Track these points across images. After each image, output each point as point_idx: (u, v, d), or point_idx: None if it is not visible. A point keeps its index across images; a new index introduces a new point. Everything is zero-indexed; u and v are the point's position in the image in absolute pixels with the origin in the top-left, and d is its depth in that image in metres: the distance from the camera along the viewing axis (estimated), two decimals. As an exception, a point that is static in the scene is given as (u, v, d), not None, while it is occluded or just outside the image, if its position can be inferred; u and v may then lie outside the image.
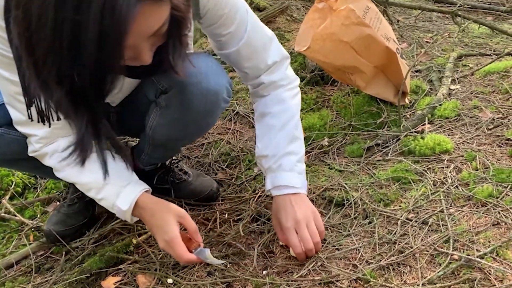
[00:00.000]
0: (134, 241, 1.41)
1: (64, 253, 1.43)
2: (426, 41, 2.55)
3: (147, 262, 1.33)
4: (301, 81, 2.05)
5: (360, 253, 1.18)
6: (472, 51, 2.34)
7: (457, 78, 1.99)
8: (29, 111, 1.00)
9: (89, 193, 1.19)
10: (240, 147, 1.83)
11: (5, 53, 0.96)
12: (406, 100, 1.84)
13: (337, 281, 1.11)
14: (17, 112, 1.09)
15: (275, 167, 1.25)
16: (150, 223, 1.16)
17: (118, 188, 1.15)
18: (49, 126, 1.02)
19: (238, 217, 1.47)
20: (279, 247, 1.30)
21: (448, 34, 2.68)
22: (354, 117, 1.78)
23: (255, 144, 1.33)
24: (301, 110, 1.89)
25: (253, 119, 1.97)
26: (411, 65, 1.83)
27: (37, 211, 1.69)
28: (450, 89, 1.90)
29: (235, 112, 2.01)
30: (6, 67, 1.00)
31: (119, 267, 1.33)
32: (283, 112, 1.27)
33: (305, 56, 2.14)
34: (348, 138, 1.69)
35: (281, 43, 2.44)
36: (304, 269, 1.18)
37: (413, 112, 1.77)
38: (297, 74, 2.08)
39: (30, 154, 1.18)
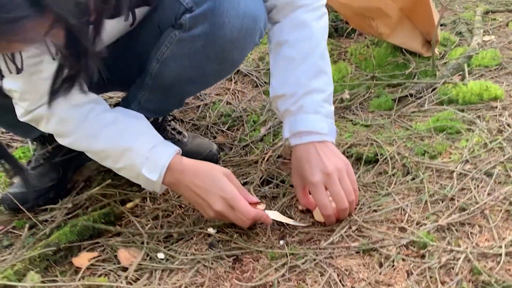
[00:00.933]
0: (117, 210, 1.13)
1: (28, 226, 1.14)
2: None
3: (132, 234, 1.05)
4: (311, 33, 1.79)
5: (406, 214, 0.92)
6: (498, 8, 2.10)
7: (490, 30, 1.74)
8: None
9: (105, 162, 1.01)
10: (242, 107, 1.56)
11: None
12: (436, 51, 1.59)
13: (381, 247, 0.85)
14: None
15: (294, 109, 0.98)
16: (193, 187, 0.94)
17: (142, 154, 0.95)
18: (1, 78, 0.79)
19: (245, 181, 1.20)
20: (298, 212, 1.04)
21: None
22: (377, 69, 1.52)
23: (269, 83, 1.06)
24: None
25: (257, 77, 1.70)
26: (445, 5, 1.57)
27: (1, 184, 1.40)
28: (483, 40, 1.65)
29: (235, 70, 1.73)
30: None
31: (96, 240, 1.05)
32: (304, 39, 0.99)
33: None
34: (372, 91, 1.43)
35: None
36: (335, 235, 0.91)
37: (445, 63, 1.52)
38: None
39: (20, 119, 0.97)
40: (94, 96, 1.01)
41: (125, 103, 1.19)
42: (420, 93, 1.34)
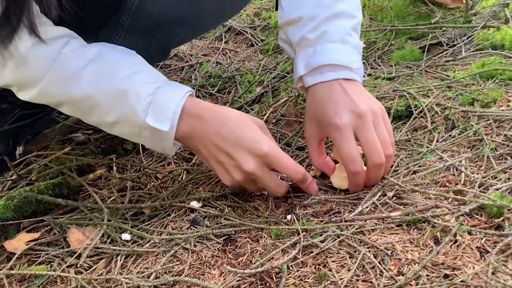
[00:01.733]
0: (72, 181, 0.87)
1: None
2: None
3: (89, 210, 0.79)
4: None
5: (462, 173, 0.67)
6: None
7: (522, -18, 1.50)
8: None
9: (91, 117, 0.73)
10: (235, 67, 1.30)
11: None
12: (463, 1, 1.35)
13: (434, 217, 0.59)
14: None
15: (314, 37, 0.73)
16: (216, 139, 0.68)
17: (143, 97, 0.68)
18: None
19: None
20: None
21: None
22: (396, 21, 1.28)
23: (276, 8, 0.82)
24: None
25: (252, 35, 1.45)
26: None
27: None
28: (517, -9, 1.42)
29: (226, 28, 1.48)
30: None
31: (42, 218, 0.79)
32: None
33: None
34: (393, 43, 1.18)
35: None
36: (365, 203, 0.66)
37: (476, 14, 1.27)
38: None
39: None
40: (66, 29, 0.73)
41: None
42: (453, 41, 1.10)
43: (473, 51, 1.03)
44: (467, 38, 1.09)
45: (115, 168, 0.93)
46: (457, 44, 1.08)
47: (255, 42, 1.40)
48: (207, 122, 0.68)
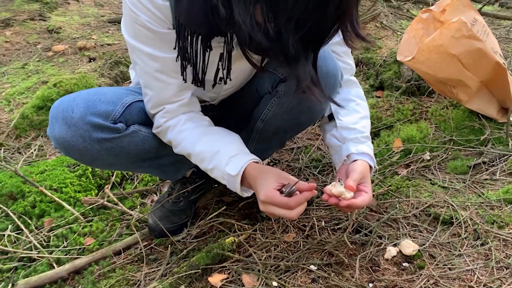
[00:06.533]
0: (236, 240, 1.45)
1: (168, 245, 1.49)
2: (522, 55, 2.44)
3: (250, 262, 1.37)
4: (396, 90, 2.03)
5: (476, 275, 1.15)
6: None
7: None
8: (184, 73, 1.13)
9: (202, 164, 1.20)
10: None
11: (153, 27, 1.03)
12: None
13: (453, 302, 1.10)
14: (151, 92, 1.18)
15: (362, 140, 1.27)
16: (254, 190, 1.12)
17: (228, 158, 1.14)
18: (204, 89, 1.19)
19: (337, 226, 1.47)
20: (384, 261, 1.30)
21: (546, 48, 2.55)
22: (454, 132, 1.74)
23: (329, 119, 1.36)
24: (398, 120, 1.89)
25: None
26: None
27: (136, 202, 1.77)
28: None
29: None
30: (149, 43, 1.06)
31: (224, 264, 1.37)
32: (365, 107, 1.34)
33: (400, 65, 2.10)
34: (450, 153, 1.65)
35: (373, 50, 2.44)
36: (416, 286, 1.17)
37: (518, 131, 1.70)
38: (391, 83, 2.08)
39: (153, 131, 1.25)
40: (207, 118, 1.27)
41: None
42: (493, 161, 1.55)
43: (505, 175, 1.48)
44: (504, 161, 1.54)
45: (258, 231, 1.50)
46: (496, 165, 1.53)
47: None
48: (251, 180, 1.10)
